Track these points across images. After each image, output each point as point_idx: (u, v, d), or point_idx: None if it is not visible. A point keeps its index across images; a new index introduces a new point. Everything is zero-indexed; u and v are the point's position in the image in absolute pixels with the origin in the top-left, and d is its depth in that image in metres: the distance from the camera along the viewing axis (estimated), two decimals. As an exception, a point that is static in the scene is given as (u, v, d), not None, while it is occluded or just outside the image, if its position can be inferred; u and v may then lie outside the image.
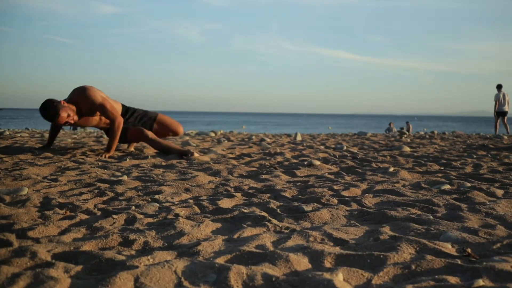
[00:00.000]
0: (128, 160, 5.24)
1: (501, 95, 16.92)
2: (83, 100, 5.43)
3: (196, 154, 5.62)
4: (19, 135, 9.54)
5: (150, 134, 5.77)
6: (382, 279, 1.71)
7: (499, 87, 17.01)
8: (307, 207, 2.85)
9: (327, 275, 1.66)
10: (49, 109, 5.27)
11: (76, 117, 5.45)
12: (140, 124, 6.06)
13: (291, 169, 4.66)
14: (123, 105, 6.04)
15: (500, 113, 16.99)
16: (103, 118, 5.76)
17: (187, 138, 9.37)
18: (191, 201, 3.13)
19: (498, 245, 2.07)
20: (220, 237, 2.22)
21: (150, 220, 2.58)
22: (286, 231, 2.38)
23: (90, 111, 5.54)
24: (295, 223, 2.57)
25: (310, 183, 3.87)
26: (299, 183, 3.87)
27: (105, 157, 5.44)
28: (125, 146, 6.71)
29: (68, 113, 5.33)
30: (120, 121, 5.61)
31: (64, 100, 5.46)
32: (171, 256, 1.95)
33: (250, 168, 4.82)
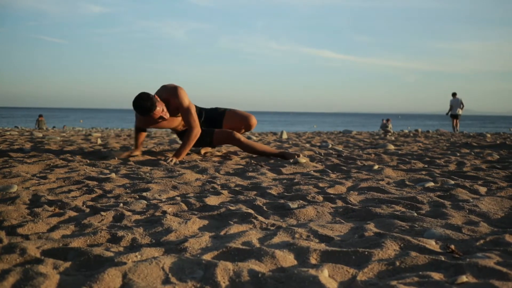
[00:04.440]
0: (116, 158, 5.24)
1: (455, 101, 20.49)
2: (173, 98, 5.16)
3: (302, 158, 5.24)
4: (8, 133, 9.50)
5: (242, 137, 5.42)
6: (367, 275, 1.73)
7: (454, 94, 20.64)
8: (293, 204, 2.88)
9: (312, 271, 1.68)
10: (146, 101, 4.93)
11: (168, 114, 5.14)
12: (210, 124, 5.68)
13: (277, 167, 4.68)
14: (196, 106, 5.68)
15: (454, 116, 20.53)
16: (182, 121, 5.44)
17: (175, 136, 9.37)
18: (178, 198, 3.14)
19: (482, 241, 2.10)
20: (207, 234, 2.23)
21: (138, 217, 2.60)
22: (272, 228, 2.40)
23: (174, 112, 5.27)
24: (281, 220, 2.58)
25: (295, 180, 3.89)
26: (285, 181, 3.89)
27: (174, 162, 5.00)
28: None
29: (162, 108, 5.05)
30: (198, 131, 5.24)
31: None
32: (158, 252, 1.96)
33: (236, 166, 4.83)
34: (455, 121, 20.43)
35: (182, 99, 5.15)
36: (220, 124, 5.68)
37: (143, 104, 4.93)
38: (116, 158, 5.22)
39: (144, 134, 5.67)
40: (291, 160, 5.10)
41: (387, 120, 24.02)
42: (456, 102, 20.30)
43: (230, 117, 5.68)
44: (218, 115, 5.68)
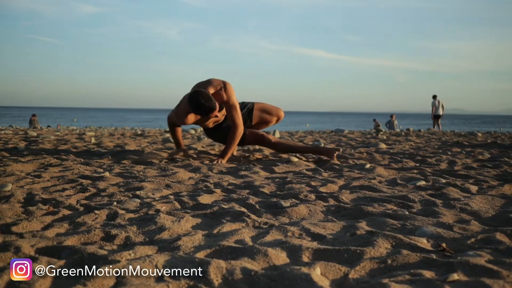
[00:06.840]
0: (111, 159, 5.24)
1: (437, 102, 21.67)
2: (220, 93, 4.93)
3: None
4: (3, 132, 9.49)
5: (273, 138, 5.30)
6: (358, 273, 1.74)
7: (434, 96, 21.77)
8: (285, 203, 2.88)
9: (305, 269, 1.70)
10: (209, 101, 4.71)
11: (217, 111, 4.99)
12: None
13: (270, 166, 4.69)
14: None
15: (436, 116, 21.72)
16: (214, 118, 5.20)
17: (168, 135, 9.35)
18: (171, 197, 3.15)
19: (473, 240, 2.11)
20: (200, 232, 2.24)
21: (131, 215, 2.60)
22: (264, 226, 2.42)
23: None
24: (274, 219, 2.59)
25: (288, 179, 3.90)
26: (278, 179, 3.90)
27: (220, 163, 4.89)
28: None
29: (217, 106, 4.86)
30: (242, 130, 5.10)
31: None
32: (152, 250, 1.98)
33: (229, 164, 4.84)
34: (436, 121, 21.78)
35: (231, 95, 4.98)
36: (250, 119, 5.55)
37: (206, 104, 4.72)
38: (158, 161, 5.10)
39: (180, 129, 5.60)
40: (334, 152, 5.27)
41: (392, 116, 24.00)
42: (438, 103, 21.65)
43: (260, 113, 5.57)
44: (246, 110, 5.53)
